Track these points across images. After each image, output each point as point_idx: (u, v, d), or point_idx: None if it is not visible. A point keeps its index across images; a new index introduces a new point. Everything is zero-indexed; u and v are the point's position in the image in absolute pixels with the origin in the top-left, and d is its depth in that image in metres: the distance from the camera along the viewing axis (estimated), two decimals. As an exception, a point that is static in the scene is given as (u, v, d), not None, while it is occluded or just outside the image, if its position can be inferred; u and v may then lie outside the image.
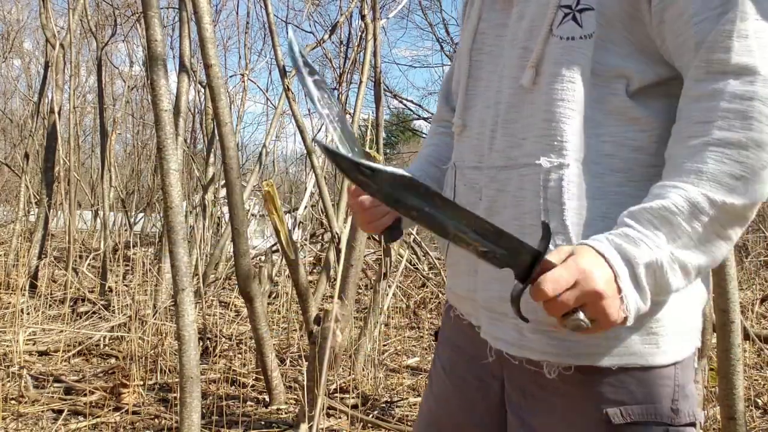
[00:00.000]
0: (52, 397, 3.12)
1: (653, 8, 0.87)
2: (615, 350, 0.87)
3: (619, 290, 0.77)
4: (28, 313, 4.37)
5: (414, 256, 6.40)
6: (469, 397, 1.06)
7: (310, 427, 2.33)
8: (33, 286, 5.18)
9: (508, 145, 0.95)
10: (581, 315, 0.76)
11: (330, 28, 5.73)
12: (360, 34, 5.25)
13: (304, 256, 6.75)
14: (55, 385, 3.29)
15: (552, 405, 0.92)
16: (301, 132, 4.36)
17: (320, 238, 7.02)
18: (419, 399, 3.25)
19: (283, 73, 4.28)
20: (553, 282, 0.76)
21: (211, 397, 3.13)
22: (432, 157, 1.21)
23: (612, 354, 0.88)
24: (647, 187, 0.85)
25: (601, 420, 0.88)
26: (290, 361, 3.85)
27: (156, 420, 2.89)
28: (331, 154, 0.77)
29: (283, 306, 4.94)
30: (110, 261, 5.86)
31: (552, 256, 0.79)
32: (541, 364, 0.92)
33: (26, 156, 6.52)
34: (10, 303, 4.63)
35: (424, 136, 14.56)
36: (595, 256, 0.78)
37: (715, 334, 2.10)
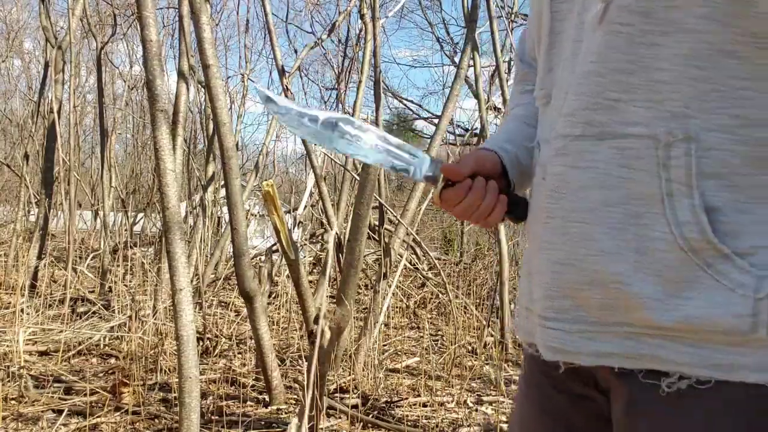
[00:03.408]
0: (52, 397, 3.12)
1: None
2: None
3: None
4: (27, 313, 4.37)
5: (414, 256, 6.39)
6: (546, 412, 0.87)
7: (311, 428, 2.33)
8: (33, 286, 5.17)
9: (585, 106, 0.73)
10: None
11: (328, 28, 5.73)
12: (359, 33, 5.24)
13: (304, 256, 6.75)
14: (55, 385, 3.29)
15: None
16: (301, 132, 4.35)
17: (320, 238, 7.02)
18: (419, 399, 3.25)
19: (282, 72, 4.28)
20: None
21: (210, 397, 3.13)
22: (525, 117, 0.96)
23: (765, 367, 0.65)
24: None
25: None
26: (290, 361, 3.85)
27: (156, 420, 2.89)
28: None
29: (283, 306, 4.93)
30: (110, 261, 5.85)
31: None
32: (666, 373, 0.70)
33: (26, 156, 6.52)
34: (10, 303, 4.63)
35: (424, 136, 14.51)
36: None
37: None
